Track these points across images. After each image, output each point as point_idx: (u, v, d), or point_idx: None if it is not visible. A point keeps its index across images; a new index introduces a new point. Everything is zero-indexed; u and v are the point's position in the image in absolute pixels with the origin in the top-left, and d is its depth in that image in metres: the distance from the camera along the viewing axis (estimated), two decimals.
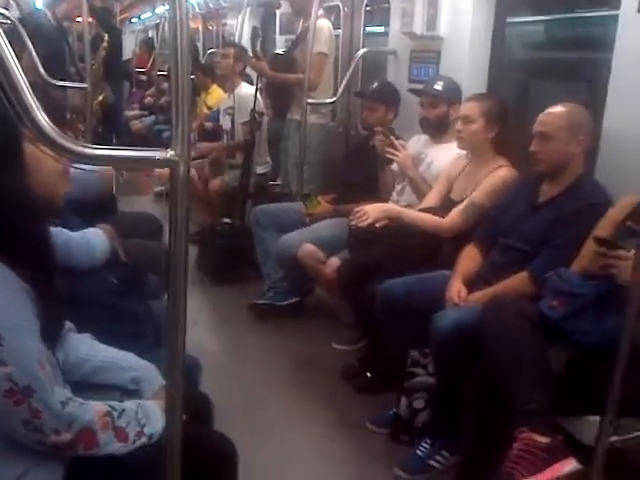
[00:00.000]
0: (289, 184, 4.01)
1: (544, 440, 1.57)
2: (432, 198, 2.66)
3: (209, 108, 5.34)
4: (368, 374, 2.65)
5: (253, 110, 3.99)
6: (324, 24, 3.76)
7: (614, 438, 1.62)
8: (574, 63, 2.63)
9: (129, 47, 9.30)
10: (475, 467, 1.86)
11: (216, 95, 5.35)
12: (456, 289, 2.21)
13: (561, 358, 1.77)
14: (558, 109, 2.11)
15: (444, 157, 2.78)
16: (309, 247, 2.93)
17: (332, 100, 3.78)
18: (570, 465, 1.56)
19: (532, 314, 1.78)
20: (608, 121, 2.18)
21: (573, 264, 1.92)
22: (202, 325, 3.23)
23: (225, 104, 4.54)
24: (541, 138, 2.10)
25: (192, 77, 5.06)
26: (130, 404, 1.34)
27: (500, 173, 2.44)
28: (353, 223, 2.52)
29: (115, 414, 1.28)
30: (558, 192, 2.14)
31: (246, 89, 4.34)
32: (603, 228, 1.88)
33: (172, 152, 1.03)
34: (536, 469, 1.55)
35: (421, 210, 2.60)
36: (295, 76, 3.86)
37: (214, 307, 3.53)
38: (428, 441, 2.15)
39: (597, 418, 1.64)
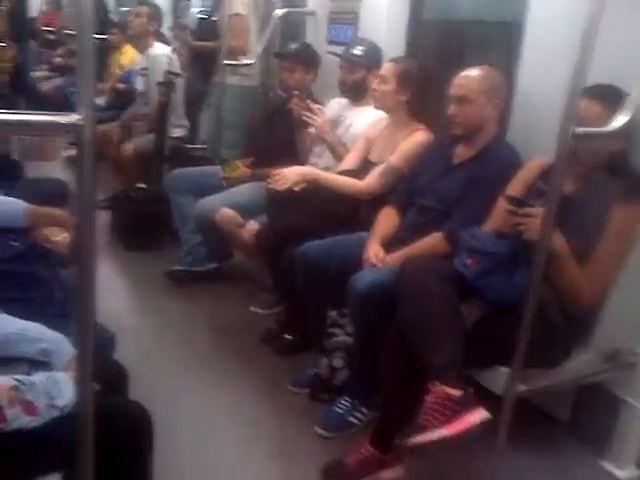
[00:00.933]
0: (216, 148, 3.90)
1: (456, 392, 1.62)
2: (351, 160, 2.67)
3: (122, 68, 5.11)
4: (287, 337, 2.66)
5: (167, 71, 3.85)
6: None
7: (521, 388, 1.70)
8: (491, 26, 2.66)
9: (36, 4, 8.72)
10: (391, 421, 1.91)
11: (129, 55, 5.12)
12: (373, 250, 2.24)
13: (474, 314, 1.83)
14: (474, 72, 2.12)
15: (363, 120, 2.79)
16: (227, 211, 2.88)
17: (250, 62, 3.69)
18: (480, 415, 1.61)
19: (446, 272, 1.82)
20: (521, 84, 2.24)
21: (486, 223, 1.98)
22: (117, 293, 3.14)
23: (138, 65, 4.36)
24: (458, 101, 2.12)
25: (106, 37, 4.88)
26: (39, 377, 1.30)
27: (417, 137, 2.47)
28: (271, 186, 2.50)
29: (23, 388, 1.24)
30: (473, 154, 2.19)
31: (160, 49, 4.18)
32: (514, 188, 1.95)
33: (77, 116, 0.97)
34: (448, 420, 1.59)
35: (340, 172, 2.61)
36: (219, 43, 3.75)
37: (130, 274, 3.43)
38: (347, 398, 2.20)
39: (506, 370, 1.72)
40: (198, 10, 4.50)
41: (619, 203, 1.74)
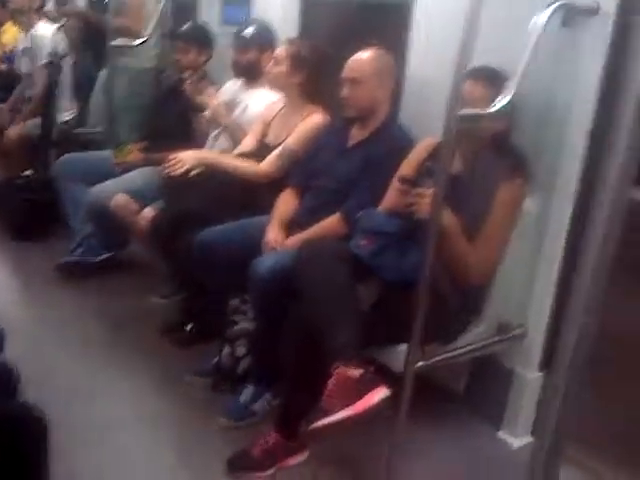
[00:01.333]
0: (109, 132, 3.72)
1: (356, 373, 1.64)
2: (248, 143, 2.64)
3: (3, 48, 4.78)
4: (188, 327, 2.59)
5: (53, 52, 3.64)
6: None
7: (420, 364, 1.73)
8: (383, 7, 2.68)
9: None
10: (295, 406, 1.90)
11: (11, 34, 4.79)
12: (273, 234, 2.22)
13: (372, 293, 1.86)
14: (365, 55, 2.15)
15: (259, 102, 2.75)
16: (121, 197, 2.76)
17: (140, 41, 3.53)
18: (381, 392, 1.64)
19: (342, 254, 1.83)
20: (411, 66, 2.27)
21: (380, 204, 2.01)
22: (3, 287, 2.96)
23: (21, 45, 4.09)
24: (350, 83, 2.14)
25: None
26: None
27: (313, 119, 2.46)
28: (167, 171, 2.42)
29: None
30: (366, 136, 2.21)
31: (44, 29, 3.93)
32: (405, 168, 1.99)
33: None
34: (350, 400, 1.61)
35: (237, 155, 2.56)
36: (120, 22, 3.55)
37: (17, 266, 3.24)
38: (250, 386, 2.17)
39: (405, 347, 1.73)
40: None
41: (503, 181, 1.81)
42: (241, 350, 2.25)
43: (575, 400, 1.23)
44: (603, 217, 1.14)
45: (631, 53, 1.09)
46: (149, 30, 3.45)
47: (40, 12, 4.08)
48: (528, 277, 1.99)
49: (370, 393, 1.63)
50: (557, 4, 1.71)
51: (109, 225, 2.89)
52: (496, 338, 2.01)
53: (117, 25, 3.50)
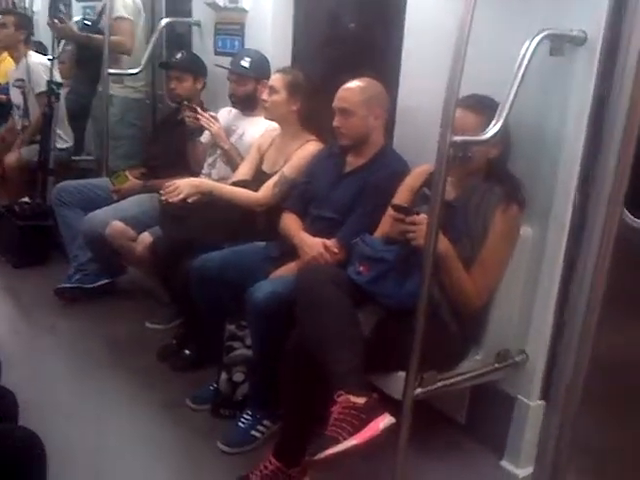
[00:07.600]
0: (102, 160, 3.75)
1: (360, 400, 1.63)
2: (244, 170, 2.66)
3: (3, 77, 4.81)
4: (186, 352, 2.59)
5: (50, 81, 3.67)
6: None
7: (418, 391, 1.71)
8: (372, 35, 2.72)
9: None
10: (294, 433, 1.89)
11: (8, 64, 4.81)
12: (319, 244, 2.18)
13: (370, 320, 1.85)
14: (355, 84, 2.19)
15: (256, 129, 2.79)
16: (117, 224, 2.77)
17: (136, 71, 3.58)
18: (385, 420, 1.62)
19: (341, 280, 1.84)
20: (402, 92, 2.30)
21: (377, 230, 2.03)
22: (3, 313, 2.97)
23: (13, 76, 4.12)
24: (342, 113, 2.18)
25: None
26: None
27: (309, 148, 2.49)
28: (164, 198, 2.44)
29: None
30: (363, 163, 2.24)
31: (36, 58, 3.97)
32: (401, 195, 2.01)
33: None
34: (356, 429, 1.59)
35: (233, 183, 2.59)
36: (101, 38, 3.60)
37: (16, 293, 3.24)
38: (249, 412, 2.17)
39: (404, 374, 1.71)
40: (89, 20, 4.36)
41: (499, 208, 1.82)
42: (239, 376, 2.25)
43: (573, 428, 1.22)
44: (595, 240, 1.14)
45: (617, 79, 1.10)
46: (144, 60, 3.51)
47: (29, 42, 4.11)
48: (526, 303, 1.97)
49: (374, 421, 1.61)
50: (543, 33, 1.74)
51: (106, 252, 2.89)
52: (495, 365, 1.99)
53: (111, 42, 3.56)
